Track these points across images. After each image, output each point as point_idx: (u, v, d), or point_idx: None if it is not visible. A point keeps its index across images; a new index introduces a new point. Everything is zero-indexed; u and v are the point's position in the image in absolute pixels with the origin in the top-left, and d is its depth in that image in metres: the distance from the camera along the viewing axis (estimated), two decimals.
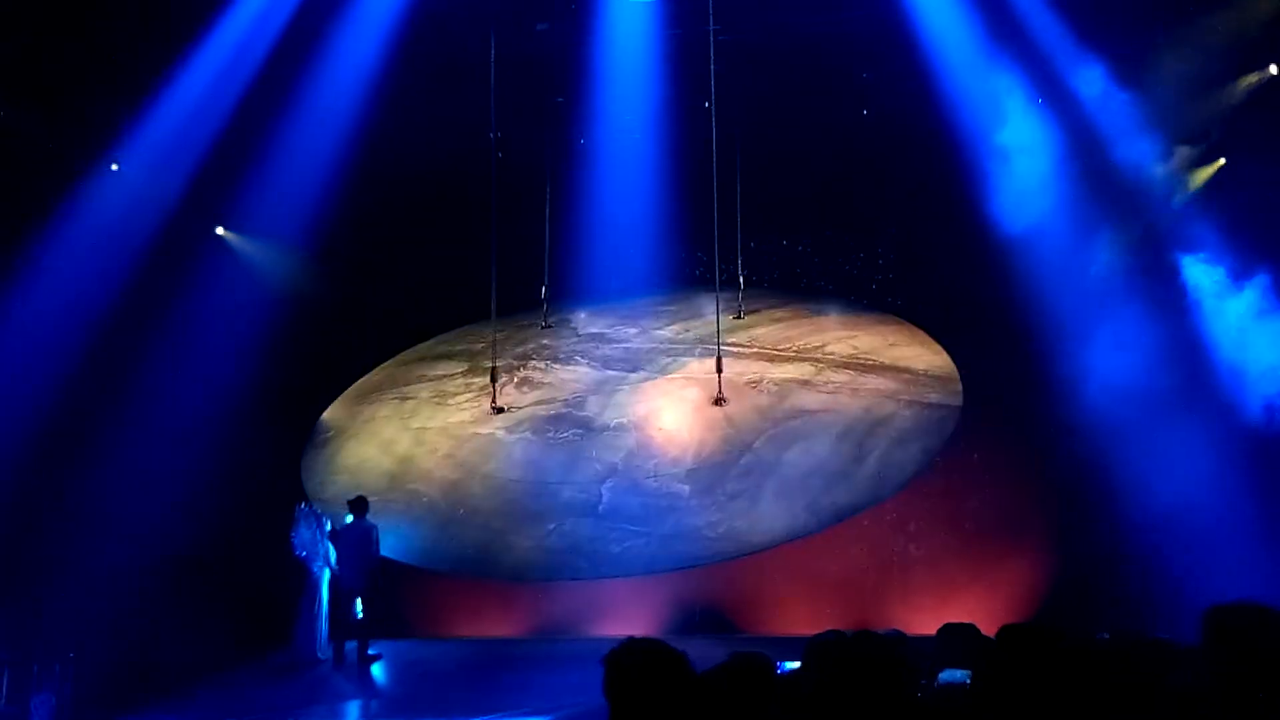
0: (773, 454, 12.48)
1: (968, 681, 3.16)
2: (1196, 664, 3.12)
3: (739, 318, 13.46)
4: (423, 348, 14.48)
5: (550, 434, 13.06)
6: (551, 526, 12.40)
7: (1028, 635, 2.77)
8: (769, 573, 12.58)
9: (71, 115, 11.42)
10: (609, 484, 12.58)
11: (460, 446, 13.23)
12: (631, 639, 3.27)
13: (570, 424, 13.13)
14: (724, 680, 3.23)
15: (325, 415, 13.87)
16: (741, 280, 12.90)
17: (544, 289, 13.26)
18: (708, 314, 13.15)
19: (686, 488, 12.46)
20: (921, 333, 13.30)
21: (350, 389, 14.10)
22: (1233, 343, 10.98)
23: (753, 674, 3.25)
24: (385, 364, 14.36)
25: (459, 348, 14.24)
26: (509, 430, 13.13)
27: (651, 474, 12.61)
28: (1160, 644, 3.43)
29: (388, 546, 11.95)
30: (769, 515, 12.19)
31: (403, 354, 14.43)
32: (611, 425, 13.05)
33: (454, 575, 12.66)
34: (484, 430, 13.20)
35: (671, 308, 14.09)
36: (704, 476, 12.46)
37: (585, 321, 14.20)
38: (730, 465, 12.52)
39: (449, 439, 13.33)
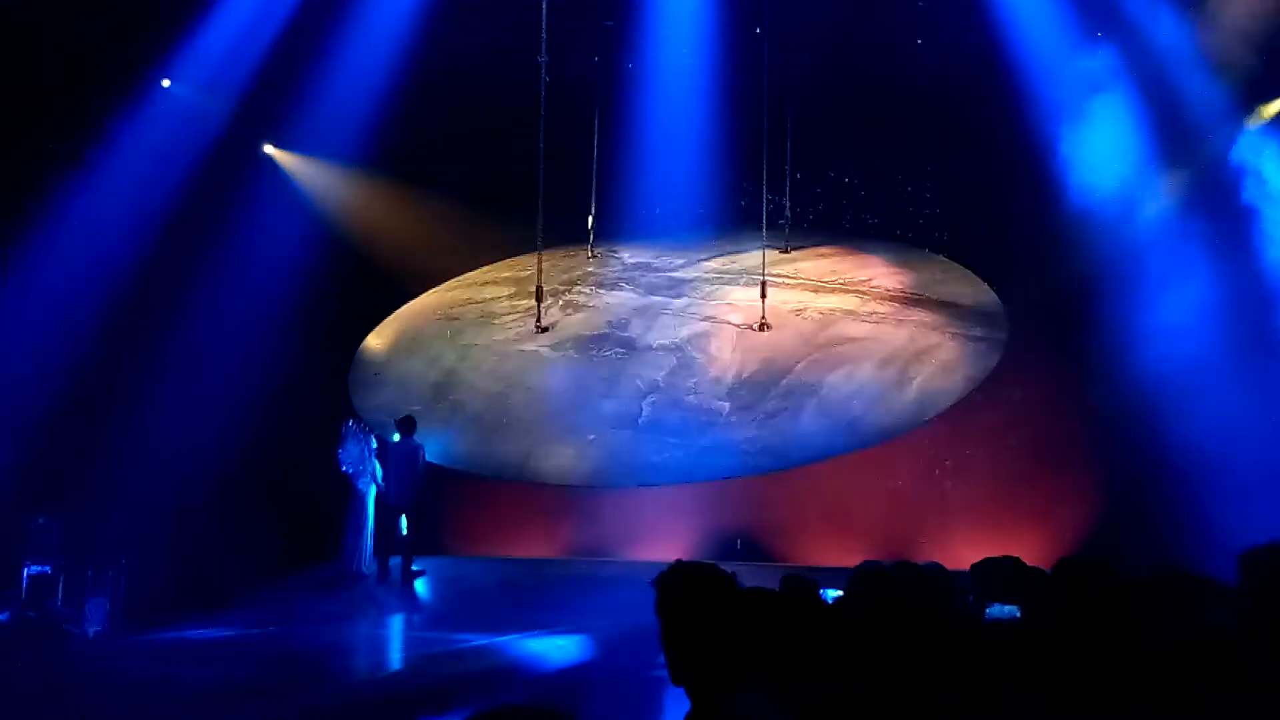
0: (814, 376, 12.52)
1: (1017, 615, 3.20)
2: (1236, 604, 3.14)
3: (785, 251, 13.40)
4: (469, 275, 14.57)
5: (593, 352, 13.20)
6: (591, 437, 12.58)
7: (1085, 568, 2.79)
8: (804, 503, 12.63)
9: (122, 32, 11.44)
10: (649, 399, 12.71)
11: (504, 362, 13.42)
12: (680, 561, 3.33)
13: (613, 344, 13.25)
14: (770, 603, 3.26)
15: (371, 335, 14.03)
16: (788, 214, 12.80)
17: (590, 219, 13.25)
18: (753, 247, 13.09)
19: (726, 404, 12.55)
20: (968, 271, 13.18)
21: (397, 311, 14.24)
22: None
23: (799, 597, 3.27)
24: (432, 289, 14.47)
25: (505, 274, 14.32)
26: (553, 348, 13.29)
27: (692, 391, 12.71)
28: (1203, 582, 3.42)
29: (431, 453, 12.16)
30: (808, 433, 12.25)
31: (449, 280, 14.53)
32: (654, 346, 13.14)
33: (495, 480, 12.84)
34: (528, 348, 13.37)
35: (717, 240, 14.05)
36: (744, 395, 12.54)
37: (631, 252, 14.21)
38: (771, 386, 12.57)
39: (493, 355, 13.53)
